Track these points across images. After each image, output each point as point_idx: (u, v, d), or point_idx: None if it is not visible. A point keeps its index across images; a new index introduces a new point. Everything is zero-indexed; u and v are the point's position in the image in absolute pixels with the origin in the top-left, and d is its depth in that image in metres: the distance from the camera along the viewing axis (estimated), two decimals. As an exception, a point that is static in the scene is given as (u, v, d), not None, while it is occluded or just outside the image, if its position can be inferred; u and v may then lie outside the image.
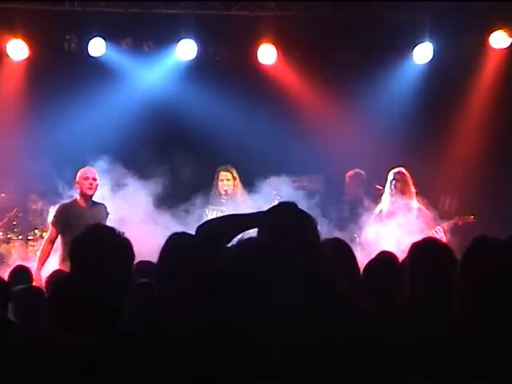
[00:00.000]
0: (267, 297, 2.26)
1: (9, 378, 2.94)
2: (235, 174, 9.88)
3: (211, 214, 9.68)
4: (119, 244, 3.27)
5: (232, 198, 9.80)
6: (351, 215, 9.27)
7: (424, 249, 4.10)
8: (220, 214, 9.62)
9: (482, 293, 2.81)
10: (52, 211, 8.99)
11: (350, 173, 10.39)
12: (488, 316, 2.76)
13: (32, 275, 7.05)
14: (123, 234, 3.28)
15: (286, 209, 3.52)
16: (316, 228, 3.43)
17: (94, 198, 8.91)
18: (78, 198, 8.91)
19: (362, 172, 10.32)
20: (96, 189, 8.89)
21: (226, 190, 9.80)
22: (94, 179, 8.90)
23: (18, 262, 7.36)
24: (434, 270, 3.91)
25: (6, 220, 10.09)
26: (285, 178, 10.01)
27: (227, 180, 9.86)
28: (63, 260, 8.18)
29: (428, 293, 3.85)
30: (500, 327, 2.74)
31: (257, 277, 2.29)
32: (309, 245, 3.31)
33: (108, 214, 9.02)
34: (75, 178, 8.90)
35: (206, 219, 9.32)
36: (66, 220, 8.59)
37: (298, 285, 2.81)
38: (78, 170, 8.98)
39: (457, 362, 2.75)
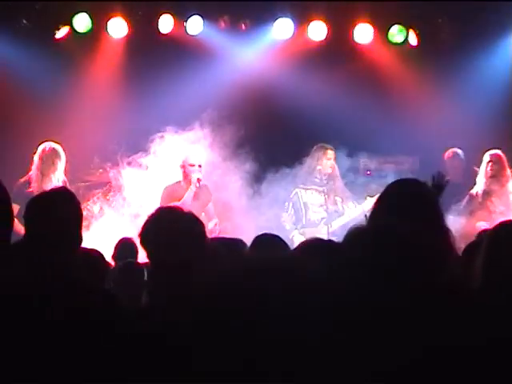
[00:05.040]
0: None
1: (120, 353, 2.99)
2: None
3: (301, 193, 9.50)
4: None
5: (330, 178, 9.43)
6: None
7: (502, 232, 3.94)
8: (312, 194, 9.49)
9: None
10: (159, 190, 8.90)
11: (449, 153, 10.12)
12: None
13: (137, 248, 6.59)
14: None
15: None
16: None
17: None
18: (182, 181, 8.79)
19: (460, 151, 10.06)
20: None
21: (327, 170, 9.37)
22: (200, 166, 8.72)
23: (123, 236, 7.35)
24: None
25: (101, 195, 10.12)
26: (378, 157, 9.95)
27: (329, 159, 9.40)
28: None
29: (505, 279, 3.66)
30: None
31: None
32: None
33: (211, 194, 8.88)
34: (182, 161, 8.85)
35: (295, 198, 9.36)
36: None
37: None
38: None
39: None
